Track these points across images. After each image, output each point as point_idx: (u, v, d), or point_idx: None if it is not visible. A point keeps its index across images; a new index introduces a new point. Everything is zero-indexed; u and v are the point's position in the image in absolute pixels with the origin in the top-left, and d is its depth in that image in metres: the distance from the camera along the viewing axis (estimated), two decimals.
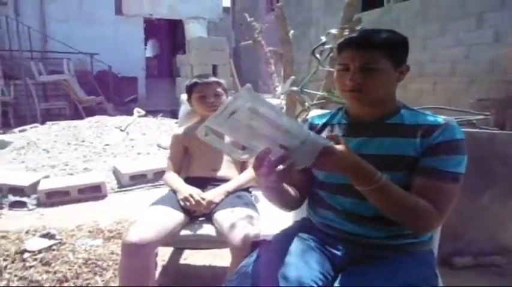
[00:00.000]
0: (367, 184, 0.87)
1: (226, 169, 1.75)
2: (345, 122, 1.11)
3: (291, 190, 1.12)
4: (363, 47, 0.97)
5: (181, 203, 1.54)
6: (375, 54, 0.96)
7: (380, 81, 0.98)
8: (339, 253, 1.06)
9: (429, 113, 1.04)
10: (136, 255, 1.32)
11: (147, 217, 1.46)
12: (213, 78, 1.79)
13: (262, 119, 0.78)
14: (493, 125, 2.56)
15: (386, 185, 0.88)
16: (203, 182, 1.68)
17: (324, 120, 1.16)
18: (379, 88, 0.99)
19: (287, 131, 0.80)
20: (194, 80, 1.79)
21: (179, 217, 1.50)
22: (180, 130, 1.87)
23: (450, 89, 4.70)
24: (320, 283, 0.97)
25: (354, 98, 1.01)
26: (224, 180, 1.69)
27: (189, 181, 1.71)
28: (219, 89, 1.77)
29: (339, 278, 1.00)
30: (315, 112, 1.94)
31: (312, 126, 1.17)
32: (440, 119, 0.99)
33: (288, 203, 1.13)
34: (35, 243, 2.16)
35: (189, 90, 1.79)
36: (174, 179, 1.71)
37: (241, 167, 1.80)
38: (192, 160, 1.80)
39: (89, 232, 2.41)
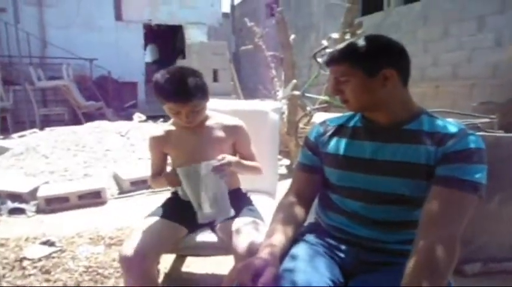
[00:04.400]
0: None
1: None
2: (361, 125, 1.10)
3: (300, 216, 1.13)
4: (331, 62, 1.05)
5: (180, 193, 1.51)
6: (342, 68, 1.02)
7: (354, 91, 1.02)
8: (348, 258, 1.04)
9: (448, 120, 1.02)
10: (136, 269, 1.26)
11: (144, 229, 1.38)
12: (191, 94, 1.35)
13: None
14: (497, 128, 2.53)
15: None
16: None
17: (340, 122, 1.16)
18: (357, 97, 1.02)
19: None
20: (164, 87, 1.35)
21: (178, 228, 1.44)
22: (158, 131, 1.56)
23: (452, 92, 4.69)
24: None
25: (346, 107, 1.08)
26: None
27: (178, 198, 1.55)
28: (197, 107, 1.41)
29: (348, 286, 0.98)
30: (319, 116, 1.90)
31: (327, 129, 1.17)
32: (458, 127, 0.97)
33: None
34: (35, 251, 2.12)
35: (159, 95, 1.40)
36: (157, 180, 1.56)
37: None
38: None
39: (90, 239, 2.37)
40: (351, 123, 1.13)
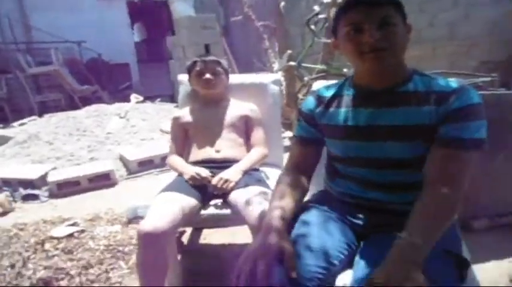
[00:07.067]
0: None
1: (230, 149, 1.72)
2: (354, 92, 1.06)
3: (302, 187, 1.12)
4: (376, 3, 0.92)
5: (190, 182, 1.55)
6: (390, 9, 0.92)
7: (400, 37, 0.93)
8: (360, 222, 1.05)
9: (443, 78, 0.98)
10: (154, 244, 1.27)
11: (160, 204, 1.40)
12: (212, 57, 1.82)
13: None
14: (498, 87, 2.55)
15: None
16: (210, 165, 1.66)
17: (333, 91, 1.12)
18: (401, 44, 0.94)
19: None
20: (194, 58, 1.83)
21: (192, 201, 1.47)
22: (179, 112, 1.86)
23: (450, 53, 4.66)
24: (345, 253, 0.98)
25: (378, 58, 0.93)
26: (231, 161, 1.66)
27: (195, 165, 1.69)
28: (218, 68, 1.80)
29: (360, 248, 1.00)
30: (319, 84, 1.91)
31: (320, 100, 1.12)
32: (455, 83, 0.94)
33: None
34: (60, 230, 2.24)
35: (189, 69, 1.83)
36: (178, 162, 1.72)
37: (247, 146, 1.79)
38: (194, 143, 1.77)
39: (106, 219, 2.43)
40: (344, 92, 1.09)
